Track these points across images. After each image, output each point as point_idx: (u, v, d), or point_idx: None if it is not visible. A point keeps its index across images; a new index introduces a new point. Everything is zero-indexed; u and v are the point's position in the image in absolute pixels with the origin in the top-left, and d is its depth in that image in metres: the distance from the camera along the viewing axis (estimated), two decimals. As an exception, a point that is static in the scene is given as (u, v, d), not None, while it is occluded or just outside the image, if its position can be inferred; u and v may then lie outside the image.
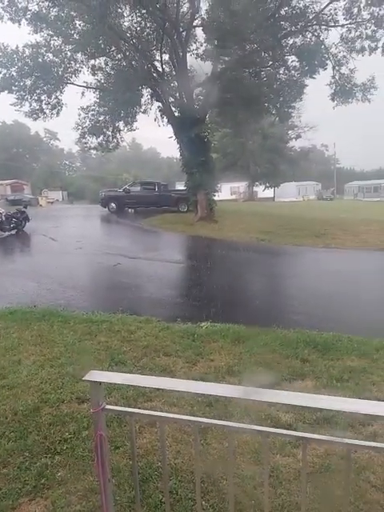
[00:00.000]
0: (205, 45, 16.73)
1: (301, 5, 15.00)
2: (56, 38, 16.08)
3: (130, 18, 16.42)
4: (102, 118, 18.86)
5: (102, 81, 18.11)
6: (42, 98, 17.15)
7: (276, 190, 49.21)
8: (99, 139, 19.45)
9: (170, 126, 18.08)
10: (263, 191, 46.65)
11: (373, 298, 7.08)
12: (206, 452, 2.64)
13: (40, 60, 16.09)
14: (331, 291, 7.65)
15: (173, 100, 17.74)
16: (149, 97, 18.87)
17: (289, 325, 5.18)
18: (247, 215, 19.99)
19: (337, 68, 16.45)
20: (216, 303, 6.62)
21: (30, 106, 17.12)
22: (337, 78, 16.55)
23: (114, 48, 17.02)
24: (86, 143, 19.66)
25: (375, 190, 50.50)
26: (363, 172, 73.31)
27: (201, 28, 16.32)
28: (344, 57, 16.29)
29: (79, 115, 18.58)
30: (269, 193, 47.84)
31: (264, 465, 1.36)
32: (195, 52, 17.25)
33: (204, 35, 16.00)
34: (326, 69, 16.34)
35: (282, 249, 12.77)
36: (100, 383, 1.32)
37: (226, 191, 46.96)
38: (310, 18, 15.33)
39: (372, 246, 12.59)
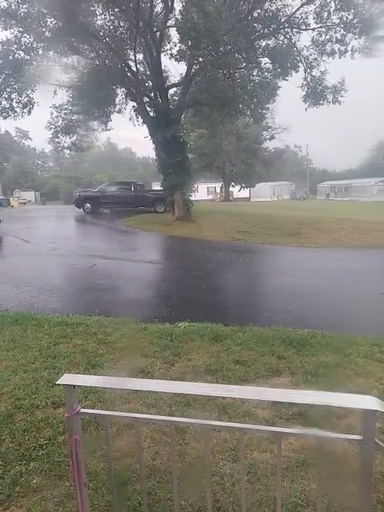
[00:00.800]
0: (179, 45, 16.74)
1: (273, 8, 15.28)
2: (27, 36, 15.65)
3: (102, 16, 16.22)
4: (75, 117, 18.54)
5: (75, 79, 17.79)
6: (13, 96, 16.64)
7: (251, 190, 49.91)
8: (73, 139, 19.13)
9: (145, 125, 18.00)
10: (239, 191, 47.17)
11: (345, 294, 7.30)
12: (185, 452, 2.64)
13: (10, 57, 15.62)
14: (305, 289, 7.83)
15: (148, 100, 17.65)
16: (123, 96, 18.72)
17: (265, 322, 5.26)
18: (224, 215, 20.15)
19: (308, 70, 16.84)
20: (194, 303, 6.64)
21: (0, 104, 16.60)
22: (308, 80, 16.93)
23: (86, 46, 16.74)
24: (59, 143, 19.27)
25: (346, 190, 52.07)
26: (335, 172, 75.44)
27: (175, 28, 16.30)
28: (315, 59, 16.71)
29: (52, 114, 18.21)
30: (244, 193, 48.43)
31: (240, 461, 1.37)
32: (169, 52, 17.24)
33: (178, 35, 15.99)
34: (298, 71, 16.71)
35: (258, 248, 12.95)
36: (74, 386, 1.29)
37: (203, 191, 47.22)
38: (282, 20, 15.62)
39: (344, 243, 12.97)
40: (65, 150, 21.58)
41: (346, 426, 2.88)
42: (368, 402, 1.16)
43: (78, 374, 3.62)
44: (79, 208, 21.68)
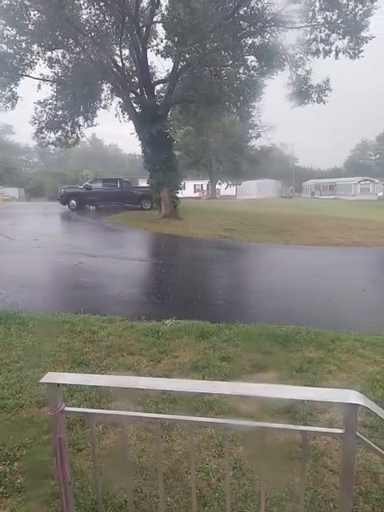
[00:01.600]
0: (165, 41, 16.64)
1: (259, 6, 15.32)
2: (9, 29, 15.31)
3: (88, 10, 15.99)
4: (60, 112, 18.23)
5: (60, 74, 17.51)
6: (-4, 90, 16.31)
7: (238, 188, 50.13)
8: (58, 134, 18.82)
9: (131, 122, 17.86)
10: (226, 189, 47.31)
11: (329, 291, 7.41)
12: (171, 448, 2.65)
13: (-8, 50, 15.29)
14: (291, 286, 7.92)
15: (134, 96, 17.50)
16: (109, 92, 18.52)
17: (251, 319, 5.30)
18: (210, 213, 20.19)
19: (294, 69, 16.96)
20: (181, 300, 6.65)
21: (-18, 98, 16.23)
22: (294, 79, 17.06)
23: (71, 41, 16.49)
24: (43, 138, 18.93)
25: (331, 188, 52.80)
26: (320, 171, 76.39)
27: (161, 24, 16.19)
28: (300, 58, 16.83)
29: (36, 109, 17.88)
30: (231, 191, 48.60)
31: (225, 456, 1.39)
32: (155, 48, 17.11)
33: (164, 31, 15.89)
34: (283, 70, 16.81)
35: (245, 245, 13.03)
36: (58, 385, 1.28)
37: (190, 189, 47.18)
38: (268, 18, 15.67)
39: (328, 241, 13.16)
40: (49, 146, 21.23)
41: (329, 420, 2.94)
42: (349, 397, 1.19)
43: (63, 372, 3.59)
44: (64, 205, 21.39)
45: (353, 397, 1.19)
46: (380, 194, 49.48)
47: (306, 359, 4.00)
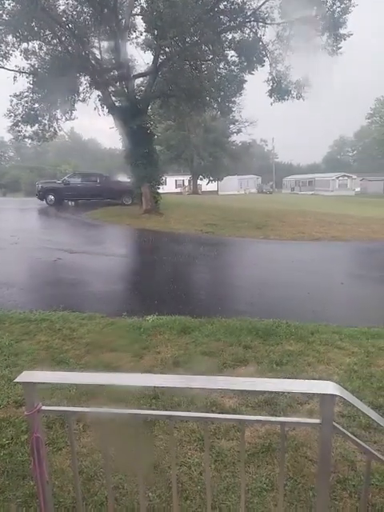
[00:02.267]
0: (145, 34, 16.42)
1: (239, 0, 15.28)
2: (-19, 17, 14.75)
3: (65, 1, 15.56)
4: (36, 105, 17.73)
5: (36, 66, 17.01)
6: (-32, 81, 15.72)
7: (219, 184, 50.25)
8: (34, 128, 18.31)
9: (111, 116, 17.57)
10: (207, 184, 47.33)
11: (309, 285, 7.54)
12: (153, 444, 2.65)
13: (-36, 40, 14.72)
14: (272, 280, 8.02)
15: (113, 89, 17.21)
16: (87, 85, 18.12)
17: (233, 313, 5.35)
18: (192, 208, 20.17)
19: (273, 65, 17.04)
20: (163, 296, 6.63)
21: None
22: (274, 74, 17.14)
23: (48, 32, 16.03)
24: (19, 132, 18.39)
25: (310, 184, 53.66)
26: (299, 166, 77.45)
27: (140, 17, 15.96)
28: (280, 54, 16.92)
29: (11, 102, 17.33)
30: (212, 186, 48.66)
31: (206, 450, 1.39)
32: (135, 41, 16.87)
33: (144, 24, 15.66)
34: (263, 65, 16.86)
35: (226, 240, 13.09)
36: (34, 384, 1.25)
37: (171, 184, 46.99)
38: (248, 14, 15.66)
39: (308, 236, 13.37)
40: (26, 140, 20.64)
41: (308, 410, 3.00)
42: (326, 387, 1.21)
43: (42, 371, 3.53)
44: (42, 200, 20.91)
45: (330, 388, 1.21)
46: (357, 189, 50.65)
47: (286, 352, 4.07)
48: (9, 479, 2.34)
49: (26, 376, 1.26)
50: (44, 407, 1.32)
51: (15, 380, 1.26)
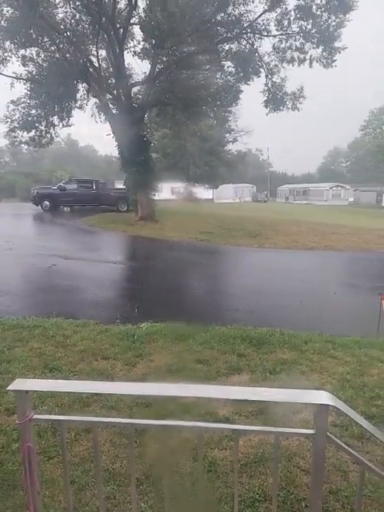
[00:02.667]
0: (142, 43, 16.59)
1: (236, 12, 15.53)
2: (-20, 24, 14.82)
3: (64, 9, 15.71)
4: (34, 111, 17.78)
5: (34, 72, 17.09)
6: (-35, 86, 15.74)
7: (214, 192, 50.49)
8: (31, 134, 18.34)
9: (108, 123, 17.66)
10: (202, 192, 47.52)
11: (302, 294, 7.57)
12: (146, 453, 2.62)
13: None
14: (266, 289, 8.04)
15: (110, 97, 17.32)
16: (85, 92, 18.23)
17: (227, 321, 5.34)
18: (187, 215, 20.23)
19: (269, 76, 17.30)
20: (157, 303, 6.61)
21: None
22: (269, 85, 17.39)
23: (46, 39, 16.15)
24: (15, 137, 18.40)
25: (304, 193, 54.08)
26: (294, 176, 78.10)
27: (138, 26, 16.13)
28: (276, 66, 17.18)
29: (8, 107, 17.36)
30: (208, 194, 48.87)
31: (199, 460, 1.38)
32: (133, 50, 17.03)
33: (141, 33, 15.84)
34: (259, 76, 17.11)
35: (221, 248, 13.12)
36: (26, 392, 1.24)
37: (167, 191, 47.06)
38: (245, 25, 15.92)
39: (301, 245, 13.46)
40: (22, 145, 20.66)
41: (301, 420, 2.99)
42: (320, 397, 1.21)
43: (34, 378, 3.49)
44: (37, 206, 20.86)
45: (323, 397, 1.21)
46: (351, 199, 51.13)
47: (280, 361, 4.07)
48: (-2, 489, 2.30)
49: (19, 384, 1.25)
50: (36, 416, 1.31)
51: (8, 388, 1.25)
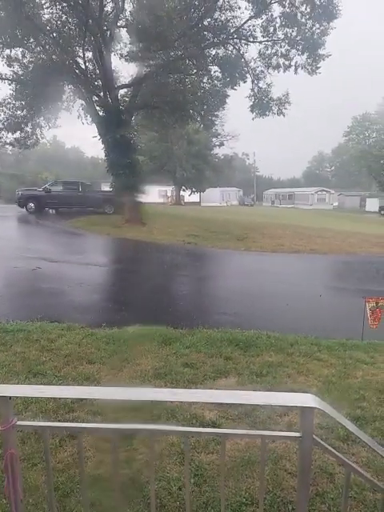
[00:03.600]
0: (129, 46, 16.57)
1: (222, 18, 15.70)
2: (-36, 23, 14.57)
3: (50, 10, 15.58)
4: (19, 112, 17.55)
5: (20, 73, 16.88)
6: None
7: (201, 195, 50.68)
8: (16, 135, 18.08)
9: (94, 125, 17.55)
10: (189, 196, 47.63)
11: (288, 296, 7.64)
12: (132, 458, 2.59)
13: None
14: (253, 291, 8.08)
15: (97, 99, 17.24)
16: (71, 94, 18.11)
17: (214, 325, 5.34)
18: (175, 218, 20.23)
19: (255, 82, 17.50)
20: (144, 306, 6.57)
21: None
22: (255, 91, 17.60)
23: (32, 40, 15.98)
24: (0, 138, 18.13)
25: (290, 198, 54.81)
26: (279, 180, 79.07)
27: (125, 29, 16.13)
28: (262, 72, 17.41)
29: (-8, 108, 17.08)
30: (195, 197, 49.01)
31: (185, 464, 1.37)
32: (119, 52, 16.99)
33: (128, 36, 15.85)
34: (245, 81, 17.29)
35: (208, 251, 13.16)
36: (9, 398, 1.21)
37: (154, 194, 46.96)
38: (231, 31, 16.10)
39: (287, 248, 13.60)
40: (7, 146, 20.35)
41: (288, 423, 3.01)
42: (306, 400, 1.22)
43: (17, 383, 3.42)
44: (22, 208, 20.54)
45: (309, 400, 1.22)
46: (335, 204, 52.03)
47: (267, 363, 4.09)
48: (-21, 498, 2.23)
49: (1, 390, 1.22)
50: (19, 422, 1.28)
51: (-11, 394, 1.22)
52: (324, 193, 52.20)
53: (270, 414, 3.10)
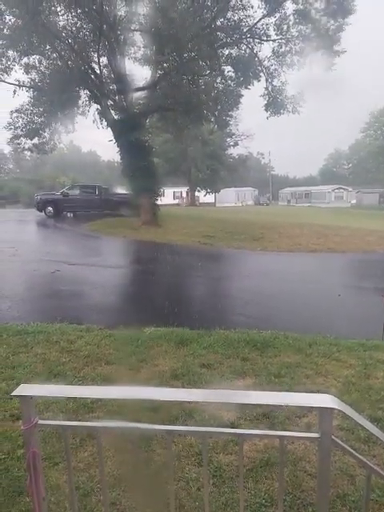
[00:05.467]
0: (143, 49, 16.74)
1: (235, 18, 15.67)
2: (-17, 32, 15.02)
3: (65, 16, 15.89)
4: (37, 118, 17.97)
5: (37, 80, 17.27)
6: (-32, 94, 15.92)
7: (216, 196, 50.60)
8: (34, 141, 18.51)
9: (109, 129, 17.78)
10: (204, 196, 47.63)
11: (307, 296, 7.55)
12: (151, 458, 2.61)
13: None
14: (270, 292, 8.02)
15: (111, 103, 17.46)
16: (86, 98, 18.40)
17: (231, 325, 5.33)
18: (190, 220, 20.26)
19: (269, 80, 17.38)
20: (161, 307, 6.60)
21: None
22: (270, 89, 17.47)
23: (48, 46, 16.32)
24: (19, 144, 18.58)
25: (306, 196, 54.10)
26: (295, 179, 78.18)
27: (139, 32, 16.29)
28: (276, 70, 17.28)
29: (11, 115, 17.54)
30: (210, 198, 48.98)
31: (204, 465, 1.38)
32: (133, 56, 17.18)
33: (142, 40, 16.00)
34: (259, 80, 17.20)
35: (224, 252, 13.13)
36: (31, 397, 1.25)
37: (169, 196, 47.24)
38: (244, 30, 16.04)
39: (305, 248, 13.43)
40: (25, 152, 20.83)
41: (306, 424, 2.97)
42: (324, 401, 1.21)
43: (39, 384, 3.50)
44: (41, 212, 20.99)
45: (327, 401, 1.21)
46: (353, 201, 51.06)
47: (285, 364, 4.05)
48: (4, 495, 2.30)
49: (23, 389, 1.26)
50: (41, 421, 1.31)
51: (12, 393, 1.26)
52: (341, 190, 51.29)
53: (288, 414, 3.08)
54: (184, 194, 50.36)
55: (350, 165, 78.08)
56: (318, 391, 3.32)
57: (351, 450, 1.35)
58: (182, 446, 2.73)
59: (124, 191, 20.90)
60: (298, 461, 2.60)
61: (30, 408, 1.25)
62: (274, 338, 4.77)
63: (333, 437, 1.25)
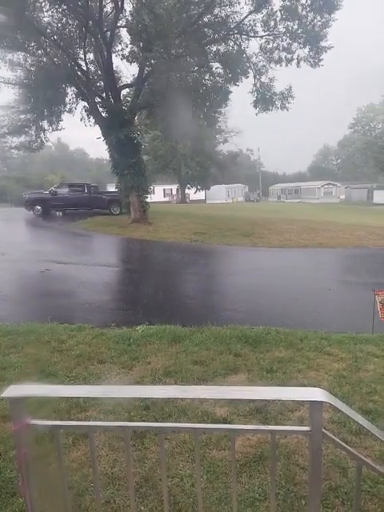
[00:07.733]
0: (130, 46, 16.58)
1: (222, 14, 15.62)
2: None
3: (50, 13, 15.65)
4: (23, 116, 17.71)
5: (22, 77, 17.01)
6: None
7: (207, 193, 50.63)
8: (21, 138, 18.27)
9: (98, 126, 17.62)
10: (195, 193, 47.62)
11: (297, 291, 7.61)
12: (144, 456, 2.62)
13: None
14: (261, 287, 8.07)
15: (99, 100, 17.29)
16: (73, 96, 18.19)
17: (223, 321, 5.35)
18: (181, 217, 20.23)
19: (257, 77, 17.40)
20: (152, 305, 6.60)
21: None
22: (258, 86, 17.49)
23: (33, 43, 16.07)
24: (5, 142, 18.32)
25: (296, 192, 54.46)
26: (285, 175, 78.56)
27: (125, 29, 16.13)
28: (263, 66, 17.30)
29: (-3, 113, 17.27)
30: (200, 195, 48.99)
31: (196, 461, 1.39)
32: (121, 53, 17.01)
33: (129, 36, 15.84)
34: (247, 77, 17.19)
35: (215, 249, 13.15)
36: (22, 398, 1.23)
37: (160, 193, 47.11)
38: (232, 27, 16.01)
39: (294, 243, 13.52)
40: (12, 150, 20.55)
41: (299, 418, 3.00)
42: (314, 394, 1.22)
43: (30, 384, 3.46)
44: (29, 210, 20.74)
45: (317, 394, 1.22)
46: (342, 197, 51.56)
47: (276, 359, 4.08)
48: (-4, 498, 2.28)
49: (13, 390, 1.24)
50: (32, 421, 1.30)
51: (2, 395, 1.24)
52: (330, 186, 51.74)
53: (281, 409, 3.10)
54: (174, 192, 50.25)
55: (339, 160, 78.80)
56: (310, 385, 3.36)
57: (341, 443, 1.37)
58: (176, 442, 2.74)
59: (113, 189, 20.74)
60: (291, 454, 2.63)
61: (20, 409, 1.24)
62: (265, 334, 4.80)
63: (323, 430, 1.27)
